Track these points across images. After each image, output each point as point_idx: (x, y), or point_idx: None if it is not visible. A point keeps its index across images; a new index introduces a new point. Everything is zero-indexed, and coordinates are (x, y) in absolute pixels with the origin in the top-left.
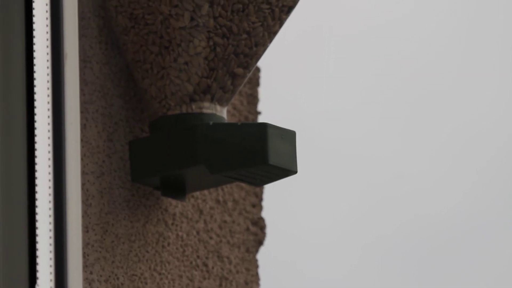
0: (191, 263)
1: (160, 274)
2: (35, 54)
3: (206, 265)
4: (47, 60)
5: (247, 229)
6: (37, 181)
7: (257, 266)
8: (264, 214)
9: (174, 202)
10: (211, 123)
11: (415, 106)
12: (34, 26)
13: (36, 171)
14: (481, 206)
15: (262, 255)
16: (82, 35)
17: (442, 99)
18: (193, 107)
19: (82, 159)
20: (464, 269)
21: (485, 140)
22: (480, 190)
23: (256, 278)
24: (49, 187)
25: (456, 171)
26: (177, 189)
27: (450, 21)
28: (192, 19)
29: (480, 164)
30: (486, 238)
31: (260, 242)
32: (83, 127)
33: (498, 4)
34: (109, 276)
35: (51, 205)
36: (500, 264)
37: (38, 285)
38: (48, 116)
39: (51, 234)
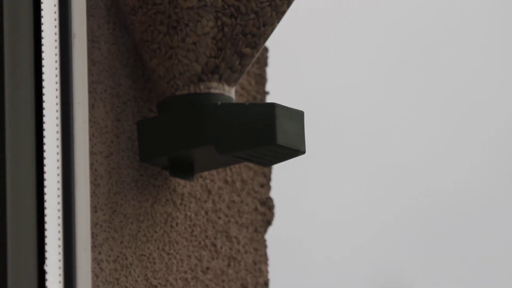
0: (199, 243)
1: (168, 254)
2: (43, 35)
3: (214, 245)
4: (55, 41)
5: (256, 209)
6: (45, 161)
7: (265, 246)
8: (273, 194)
9: (182, 182)
10: (219, 103)
11: (424, 82)
12: (42, 6)
13: (44, 151)
14: (491, 182)
15: (271, 235)
16: (90, 15)
17: (451, 72)
18: (201, 87)
19: (90, 139)
20: (476, 248)
21: (497, 116)
22: (491, 165)
23: (264, 258)
24: (58, 167)
25: (469, 145)
26: (185, 169)
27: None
28: None
29: (494, 139)
30: (499, 215)
31: (268, 222)
32: (91, 107)
33: None
34: (118, 256)
35: (59, 185)
36: (508, 242)
37: (46, 265)
38: (56, 96)
39: (60, 214)
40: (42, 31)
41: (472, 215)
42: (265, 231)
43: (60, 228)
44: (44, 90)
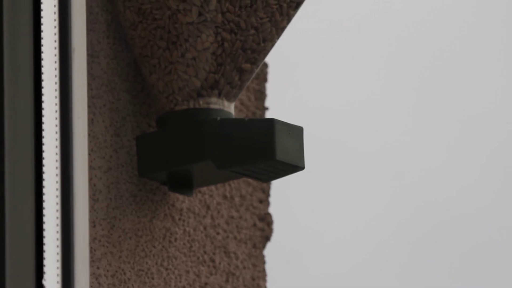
0: (198, 258)
1: (167, 269)
2: (43, 49)
3: (213, 260)
4: (55, 55)
5: (254, 224)
6: (44, 176)
7: (264, 262)
8: (271, 210)
9: (181, 197)
10: (218, 118)
11: (425, 99)
12: (42, 20)
13: (43, 165)
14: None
15: (269, 251)
16: (90, 30)
17: (450, 90)
18: (201, 102)
19: (89, 154)
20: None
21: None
22: (490, 178)
23: (263, 274)
24: (57, 182)
25: (473, 168)
26: (184, 184)
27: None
28: (200, 14)
29: (494, 151)
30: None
31: (267, 238)
32: (91, 121)
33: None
34: (116, 271)
35: (58, 199)
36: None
37: (45, 279)
38: (56, 111)
39: (58, 228)
40: (42, 45)
41: (476, 239)
42: (263, 246)
43: (58, 242)
44: (43, 105)
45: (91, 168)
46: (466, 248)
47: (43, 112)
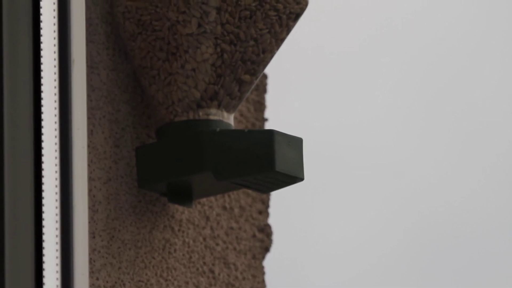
0: (197, 269)
1: (166, 280)
2: (42, 60)
3: (212, 271)
4: (55, 66)
5: (254, 235)
6: (43, 187)
7: (263, 273)
8: (271, 221)
9: (180, 208)
10: (218, 129)
11: (425, 109)
12: (42, 32)
13: (43, 176)
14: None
15: (269, 262)
16: (89, 41)
17: (452, 100)
18: (200, 113)
19: (89, 165)
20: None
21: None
22: (489, 186)
23: (262, 285)
24: (56, 193)
25: (463, 168)
26: (184, 196)
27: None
28: (199, 25)
29: (493, 158)
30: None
31: (266, 249)
32: (90, 133)
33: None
34: (115, 282)
35: (57, 210)
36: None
37: None
38: (55, 122)
39: (58, 239)
40: (42, 56)
41: (479, 248)
42: (263, 257)
43: (58, 253)
44: (43, 116)
45: (90, 179)
46: (468, 256)
47: (43, 123)
